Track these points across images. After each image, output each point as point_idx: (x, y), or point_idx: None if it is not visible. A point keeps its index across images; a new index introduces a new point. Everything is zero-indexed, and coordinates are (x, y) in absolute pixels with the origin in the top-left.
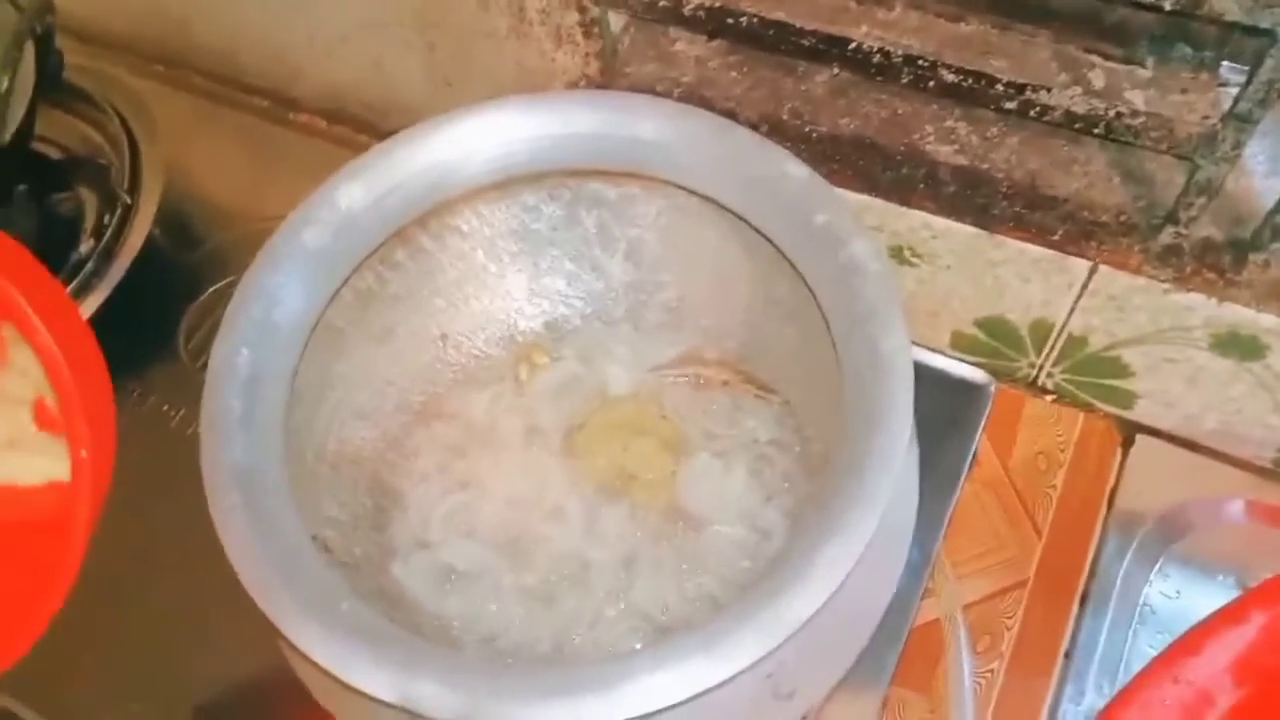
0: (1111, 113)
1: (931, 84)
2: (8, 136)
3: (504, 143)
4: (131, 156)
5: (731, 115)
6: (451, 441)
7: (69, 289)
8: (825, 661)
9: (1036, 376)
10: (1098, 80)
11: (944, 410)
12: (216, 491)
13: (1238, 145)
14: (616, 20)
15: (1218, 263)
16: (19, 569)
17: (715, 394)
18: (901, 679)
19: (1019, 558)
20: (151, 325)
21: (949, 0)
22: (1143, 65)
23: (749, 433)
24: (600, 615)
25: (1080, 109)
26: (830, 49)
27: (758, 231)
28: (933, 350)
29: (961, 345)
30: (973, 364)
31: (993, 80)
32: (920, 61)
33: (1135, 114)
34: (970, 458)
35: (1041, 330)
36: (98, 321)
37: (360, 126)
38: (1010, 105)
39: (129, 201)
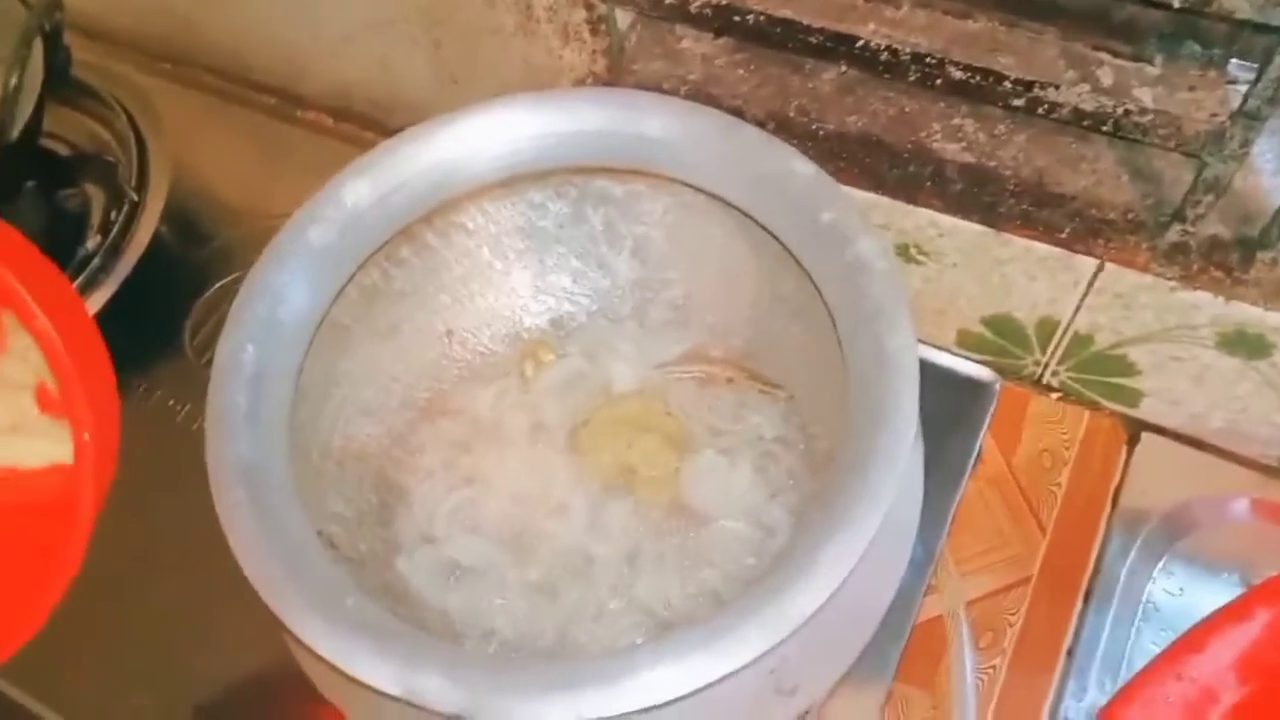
0: (1119, 110)
1: (939, 81)
2: (16, 133)
3: (510, 140)
4: (139, 153)
5: (738, 113)
6: (456, 438)
7: (76, 284)
8: (828, 657)
9: (1042, 374)
10: (1106, 78)
11: (949, 408)
12: (222, 487)
13: (1246, 143)
14: (623, 17)
15: (1225, 261)
16: (23, 552)
17: (720, 391)
18: (904, 675)
19: (1023, 555)
20: (157, 321)
21: None
22: (1151, 63)
23: (754, 429)
24: (603, 610)
25: (1088, 106)
26: (837, 46)
27: (764, 229)
28: (938, 348)
29: (967, 343)
30: (978, 362)
31: (1000, 78)
32: (928, 59)
33: (1143, 111)
34: (975, 455)
35: (1047, 328)
36: (104, 317)
37: (367, 124)
38: (1018, 103)
39: (136, 198)
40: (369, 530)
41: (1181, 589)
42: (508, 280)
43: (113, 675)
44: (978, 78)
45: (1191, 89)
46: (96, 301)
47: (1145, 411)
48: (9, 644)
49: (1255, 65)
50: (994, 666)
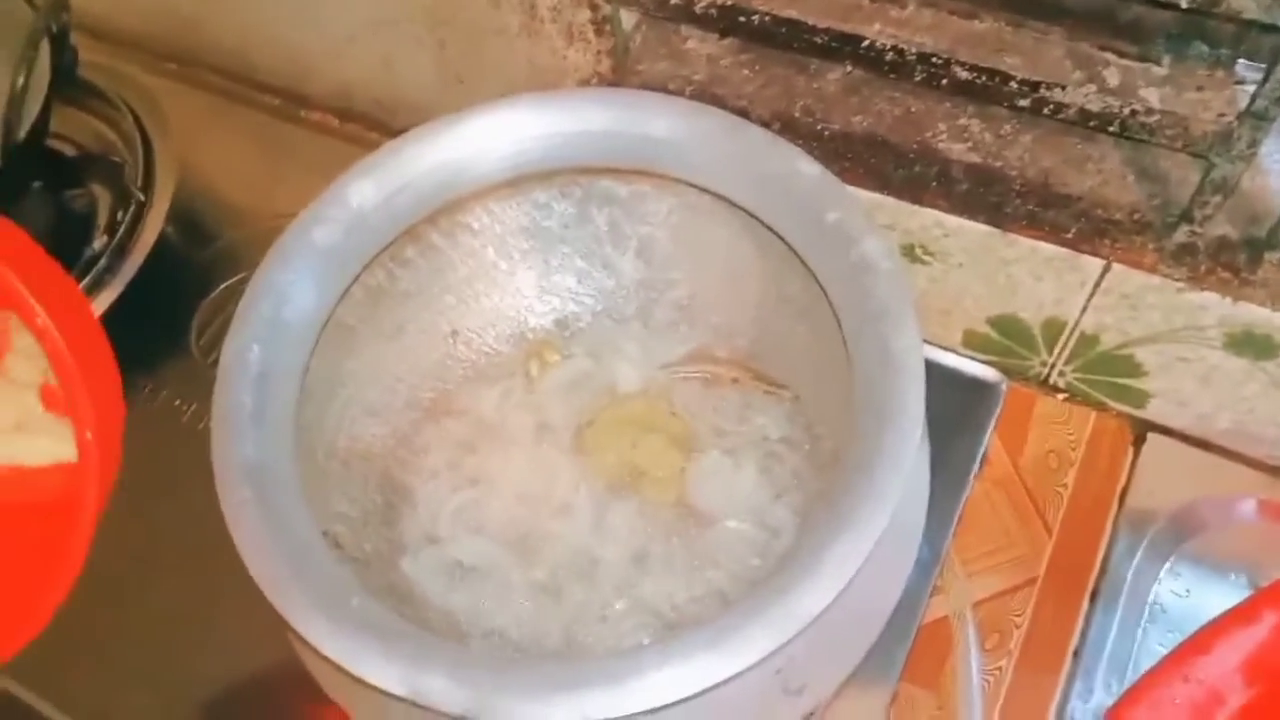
0: (1126, 110)
1: (944, 82)
2: (23, 133)
3: (515, 140)
4: (145, 154)
5: (743, 113)
6: (461, 438)
7: (82, 285)
8: (834, 657)
9: (1048, 375)
10: (1112, 78)
11: (955, 408)
12: (228, 487)
13: (1254, 143)
14: (628, 18)
15: (1232, 261)
16: (27, 551)
17: (725, 391)
18: (910, 675)
19: (1029, 556)
20: (163, 321)
21: None
22: (1158, 63)
23: (759, 430)
24: (609, 611)
25: (1094, 107)
26: (843, 47)
27: (769, 229)
28: (944, 348)
29: (973, 343)
30: (984, 362)
31: (1006, 78)
32: (933, 59)
33: (1150, 112)
34: (981, 456)
35: (1054, 329)
36: (110, 318)
37: (371, 124)
38: (1024, 103)
39: (142, 198)
40: (374, 530)
41: (1188, 590)
42: (512, 280)
43: (117, 674)
44: (984, 78)
45: (1199, 89)
46: (103, 302)
47: (1152, 412)
48: (13, 642)
49: (1263, 65)
50: (1000, 667)
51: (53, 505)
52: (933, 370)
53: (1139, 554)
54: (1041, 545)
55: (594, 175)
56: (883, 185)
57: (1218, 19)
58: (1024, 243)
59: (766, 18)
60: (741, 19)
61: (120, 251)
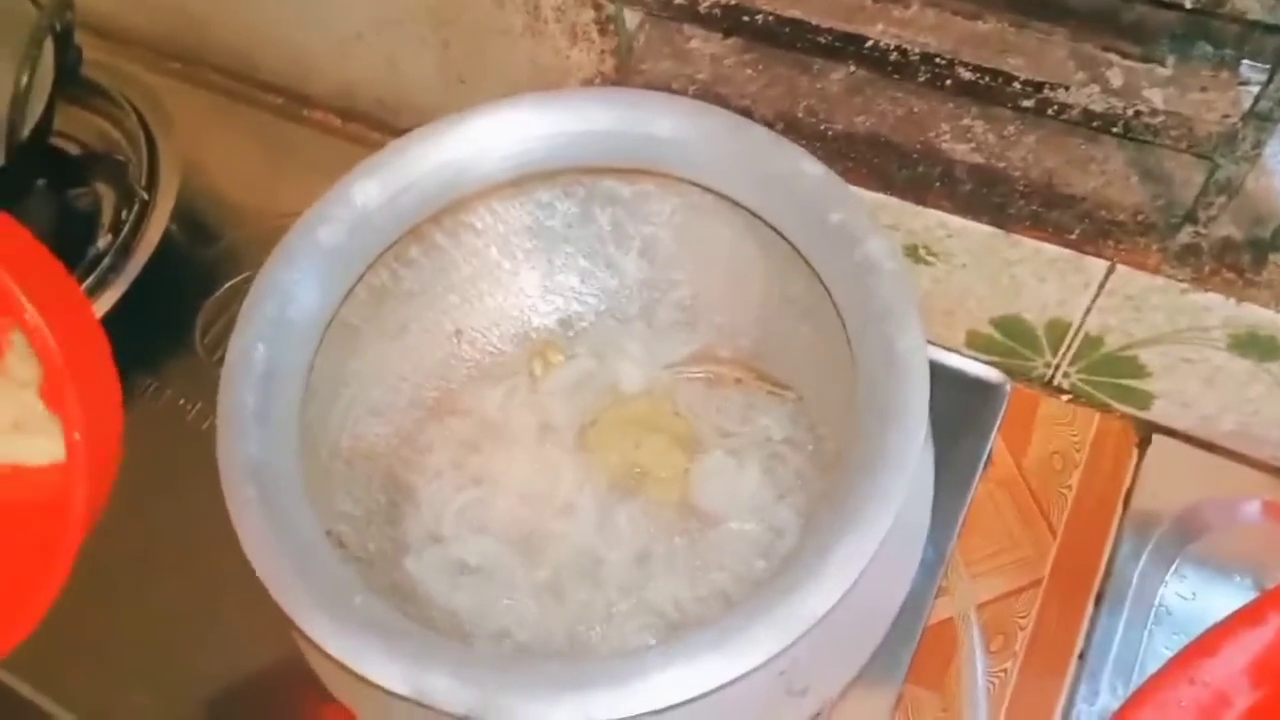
0: (1130, 111)
1: (948, 82)
2: (27, 132)
3: (519, 140)
4: (149, 152)
5: (747, 113)
6: (465, 437)
7: (86, 284)
8: (839, 659)
9: (1052, 376)
10: (1116, 78)
11: (959, 409)
12: (232, 485)
13: (1258, 144)
14: (632, 18)
15: (1237, 262)
16: (24, 549)
17: (729, 391)
18: (915, 677)
19: (1033, 557)
20: (168, 320)
21: None
22: (1162, 63)
23: (762, 430)
24: (612, 611)
25: (1098, 107)
26: (846, 47)
27: (773, 229)
28: (948, 349)
29: (977, 344)
30: (988, 363)
31: (1010, 78)
32: (937, 59)
33: (1154, 112)
34: (985, 457)
35: (1058, 330)
36: (114, 316)
37: (374, 124)
38: (1027, 103)
39: (146, 197)
40: (377, 529)
41: (1194, 593)
42: (516, 280)
43: (119, 673)
44: (987, 78)
45: (1203, 90)
46: (107, 300)
47: (1156, 414)
48: (6, 641)
49: (1267, 66)
50: (1005, 669)
51: (48, 505)
52: (936, 371)
53: (1144, 556)
54: (1046, 547)
55: (597, 175)
56: (886, 186)
57: (1222, 20)
58: (1028, 243)
59: (770, 17)
60: (745, 19)
61: (124, 250)
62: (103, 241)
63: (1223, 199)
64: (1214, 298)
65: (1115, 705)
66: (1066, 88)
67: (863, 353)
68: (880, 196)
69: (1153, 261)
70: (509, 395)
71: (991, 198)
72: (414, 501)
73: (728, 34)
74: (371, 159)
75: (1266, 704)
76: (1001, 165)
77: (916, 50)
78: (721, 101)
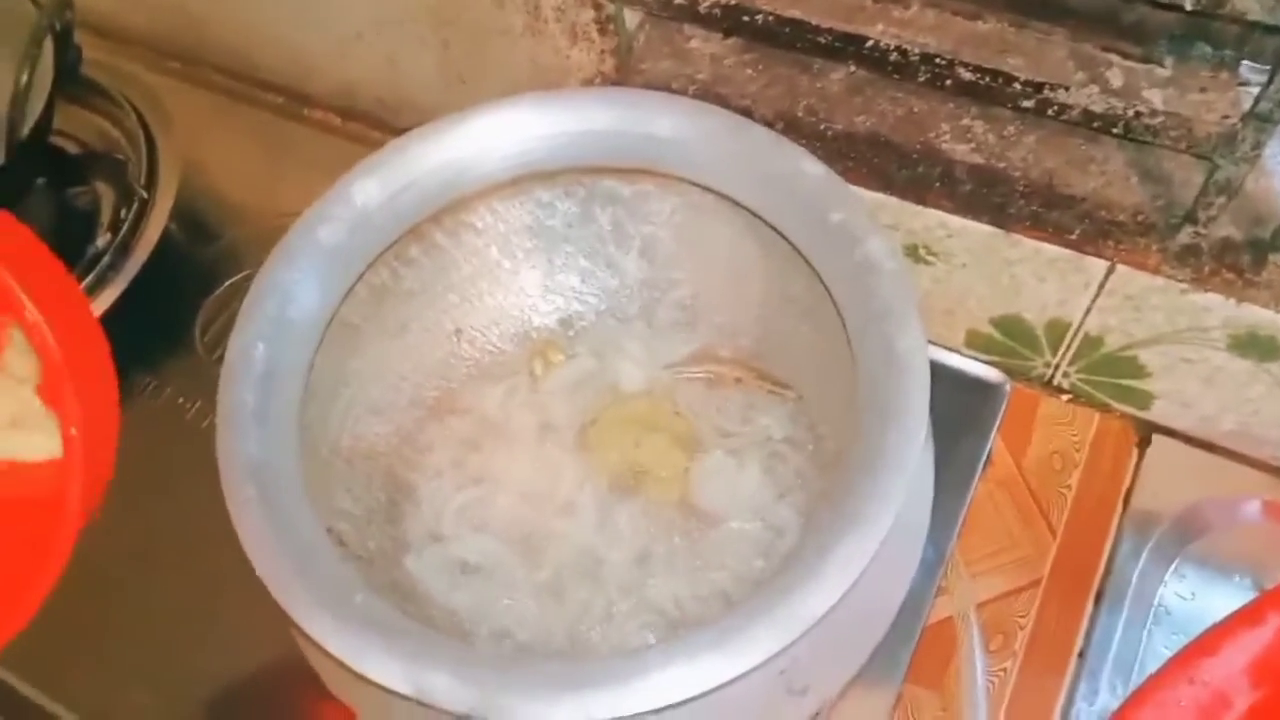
0: (1130, 112)
1: (948, 82)
2: (26, 131)
3: (519, 140)
4: (148, 151)
5: (747, 113)
6: (465, 436)
7: (85, 282)
8: (839, 658)
9: (1052, 376)
10: (1116, 79)
11: (959, 409)
12: (232, 484)
13: (1258, 145)
14: (632, 17)
15: (1236, 263)
16: (19, 544)
17: (729, 391)
18: (914, 676)
19: (1033, 557)
20: (167, 319)
21: None
22: (1161, 64)
23: (762, 430)
24: (613, 610)
25: (1098, 108)
26: (846, 47)
27: (773, 229)
28: (948, 349)
29: (977, 344)
30: (988, 363)
31: (1010, 79)
32: (937, 59)
33: (1154, 113)
34: (985, 457)
35: (1057, 330)
36: (114, 315)
37: (374, 123)
38: (1027, 104)
39: (145, 196)
40: (378, 528)
41: (1193, 593)
42: (516, 279)
43: (118, 671)
44: (987, 79)
45: (1202, 90)
46: (106, 299)
47: (1156, 414)
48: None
49: (1267, 67)
50: (1005, 669)
51: (44, 501)
52: (936, 371)
53: (1144, 556)
54: (1046, 546)
55: (597, 174)
56: (886, 185)
57: (1221, 20)
58: (1028, 243)
59: (770, 17)
60: (745, 19)
61: (123, 249)
62: (102, 240)
63: (1222, 199)
64: (1214, 298)
65: (1114, 704)
66: (1066, 88)
67: (863, 352)
68: (880, 196)
69: (1153, 262)
70: (509, 394)
71: (991, 198)
72: (414, 500)
73: (728, 34)
74: (372, 158)
75: (1266, 704)
76: (1001, 165)
77: (916, 50)
78: (721, 101)
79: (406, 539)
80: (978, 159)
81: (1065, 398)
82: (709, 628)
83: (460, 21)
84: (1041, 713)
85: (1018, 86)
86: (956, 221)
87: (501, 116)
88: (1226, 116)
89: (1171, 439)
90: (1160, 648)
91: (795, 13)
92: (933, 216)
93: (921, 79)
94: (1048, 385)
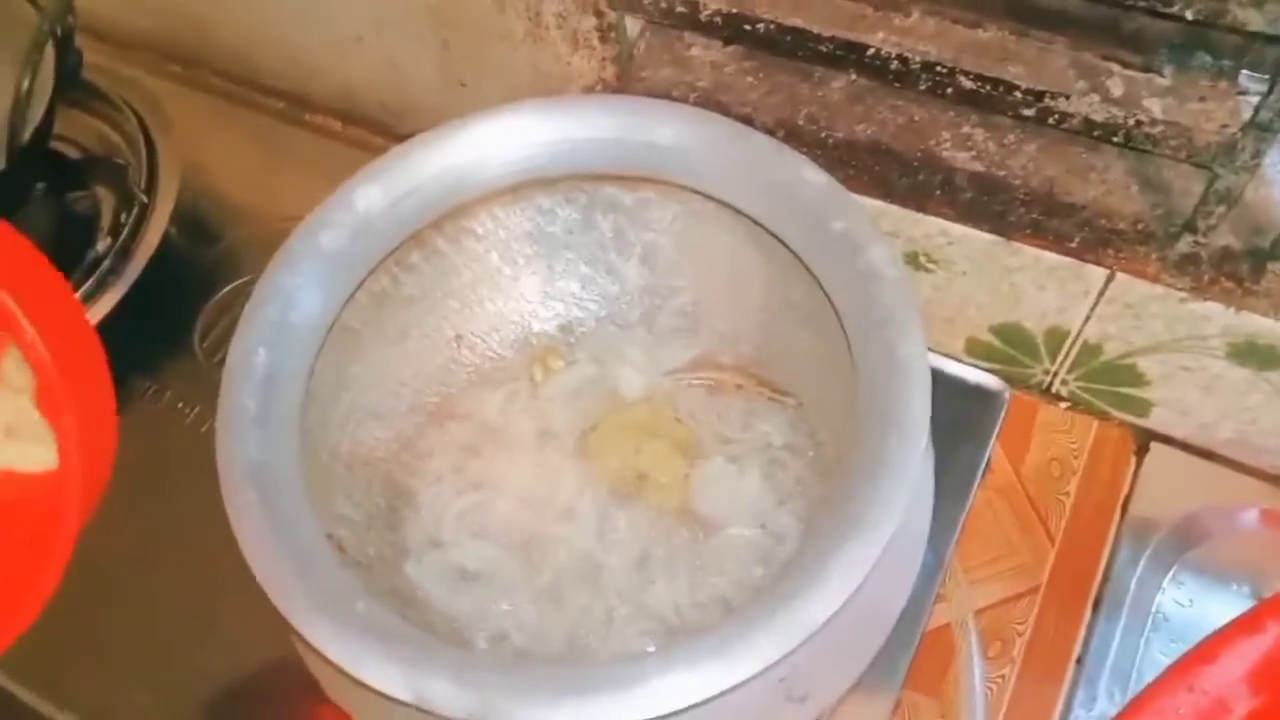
0: (1130, 121)
1: (949, 90)
2: (27, 136)
3: (520, 146)
4: (148, 156)
5: (748, 120)
6: (465, 442)
7: (85, 287)
8: (839, 665)
9: (1051, 383)
10: (1116, 88)
11: (958, 416)
12: (231, 489)
13: (1258, 154)
14: (633, 25)
15: (1236, 272)
16: (17, 552)
17: (729, 398)
18: (913, 683)
19: (1031, 564)
20: (167, 323)
21: (966, 7)
22: (1161, 73)
23: (763, 437)
24: (613, 617)
25: (1098, 116)
26: (847, 55)
27: (774, 236)
28: (948, 356)
29: (976, 351)
30: (987, 370)
31: (1010, 87)
32: (937, 68)
33: (1154, 122)
34: (984, 464)
35: (1057, 337)
36: (114, 319)
37: (375, 128)
38: (1028, 112)
39: (145, 200)
40: (377, 534)
41: (1191, 600)
42: (517, 286)
43: (118, 673)
44: (988, 87)
45: (1202, 100)
46: (106, 304)
47: (1155, 421)
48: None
49: (1267, 77)
50: (1003, 675)
51: (43, 511)
52: (936, 378)
53: (1142, 563)
54: (1044, 553)
55: (598, 182)
56: (887, 193)
57: (1221, 30)
58: (1028, 251)
59: (771, 26)
60: (746, 27)
61: (124, 253)
62: (102, 244)
63: (1222, 208)
64: (1213, 306)
65: (1112, 711)
66: (1067, 97)
67: (864, 359)
68: (881, 204)
69: (1152, 270)
70: (509, 400)
71: (992, 206)
72: (414, 506)
73: (728, 42)
74: (374, 164)
75: (1265, 711)
76: (1002, 173)
77: (917, 59)
78: (722, 109)
79: (406, 545)
80: (978, 167)
81: (1064, 405)
82: (709, 634)
83: (460, 23)
84: (1039, 719)
85: (1018, 95)
86: (957, 229)
87: (503, 123)
88: (1226, 126)
89: (1170, 447)
90: (1158, 655)
91: (796, 21)
92: (933, 224)
93: (922, 87)
94: (1047, 393)
